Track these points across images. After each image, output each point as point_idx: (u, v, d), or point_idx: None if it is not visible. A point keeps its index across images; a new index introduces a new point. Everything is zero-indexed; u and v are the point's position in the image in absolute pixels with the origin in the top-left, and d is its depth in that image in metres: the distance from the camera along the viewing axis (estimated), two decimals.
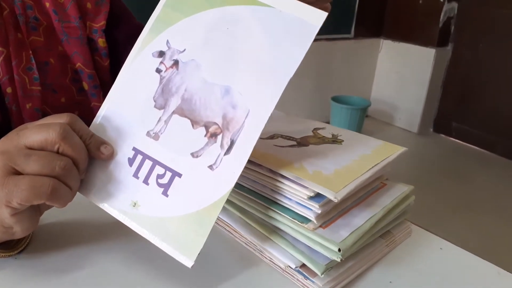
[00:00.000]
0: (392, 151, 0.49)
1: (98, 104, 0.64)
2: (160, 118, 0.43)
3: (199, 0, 0.43)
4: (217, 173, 0.40)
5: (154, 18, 0.45)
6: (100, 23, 0.64)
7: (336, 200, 0.40)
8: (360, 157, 0.47)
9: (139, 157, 0.42)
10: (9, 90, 0.57)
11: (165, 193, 0.41)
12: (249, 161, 0.44)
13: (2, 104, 0.58)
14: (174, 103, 0.42)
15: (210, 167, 0.40)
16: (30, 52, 0.59)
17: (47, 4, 0.60)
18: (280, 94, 0.39)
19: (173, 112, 0.42)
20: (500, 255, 1.76)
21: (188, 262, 0.39)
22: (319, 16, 0.39)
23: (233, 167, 0.39)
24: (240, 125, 0.40)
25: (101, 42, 0.64)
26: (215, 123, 0.41)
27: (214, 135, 0.41)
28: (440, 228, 1.96)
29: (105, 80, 0.66)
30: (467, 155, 2.92)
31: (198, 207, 0.40)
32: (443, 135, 3.19)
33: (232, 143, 0.40)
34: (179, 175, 0.41)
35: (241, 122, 0.40)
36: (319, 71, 3.06)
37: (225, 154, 0.40)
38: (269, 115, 0.39)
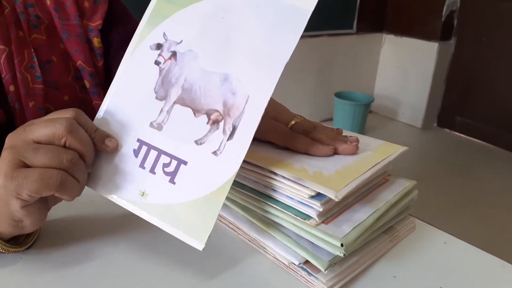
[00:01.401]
0: (392, 150, 0.49)
1: (99, 102, 0.65)
2: (162, 108, 0.44)
3: None
4: (222, 158, 0.41)
5: (150, 11, 0.46)
6: (96, 23, 0.64)
7: (337, 199, 0.40)
8: (360, 157, 0.47)
9: (144, 148, 0.43)
10: (11, 88, 0.58)
11: (172, 181, 0.42)
12: (251, 163, 0.45)
13: (5, 102, 0.58)
14: (174, 93, 0.43)
15: (214, 153, 0.41)
16: (32, 50, 0.59)
17: (48, 2, 0.61)
18: (278, 78, 0.40)
19: (175, 102, 0.43)
20: (504, 248, 1.76)
21: (199, 245, 0.40)
22: (310, 0, 0.40)
23: (236, 151, 0.41)
24: (240, 111, 0.41)
25: (96, 42, 0.64)
26: (216, 110, 0.42)
27: (216, 122, 0.42)
28: (443, 222, 1.96)
29: (101, 81, 0.67)
30: (471, 149, 2.91)
31: (205, 192, 0.41)
32: (447, 130, 3.18)
33: (234, 128, 0.41)
34: (185, 163, 0.42)
35: (241, 108, 0.41)
36: (322, 67, 3.05)
37: (228, 139, 0.41)
38: (268, 99, 0.40)
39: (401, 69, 3.24)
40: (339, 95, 2.94)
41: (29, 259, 0.44)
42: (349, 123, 2.87)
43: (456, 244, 0.51)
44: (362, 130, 2.93)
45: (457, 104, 3.09)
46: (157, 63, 0.45)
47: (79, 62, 0.63)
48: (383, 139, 0.53)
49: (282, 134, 0.49)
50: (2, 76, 0.57)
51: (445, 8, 2.94)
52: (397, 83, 3.29)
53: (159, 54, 0.45)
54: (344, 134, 0.52)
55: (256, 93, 0.41)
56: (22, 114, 0.59)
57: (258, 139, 0.49)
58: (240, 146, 0.41)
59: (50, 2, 0.60)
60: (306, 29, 0.40)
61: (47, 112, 0.61)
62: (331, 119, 3.05)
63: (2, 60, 0.57)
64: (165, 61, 0.44)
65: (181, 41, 0.44)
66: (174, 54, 0.44)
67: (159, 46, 0.45)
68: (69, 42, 0.62)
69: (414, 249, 0.49)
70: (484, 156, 2.79)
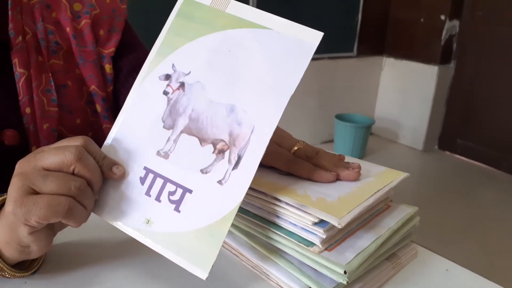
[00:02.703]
0: (394, 176, 0.50)
1: (109, 126, 0.66)
2: (169, 137, 0.44)
3: (201, 25, 0.46)
4: (226, 187, 0.41)
5: (159, 43, 0.47)
6: (109, 50, 0.66)
7: (340, 226, 0.40)
8: (363, 184, 0.48)
9: (151, 176, 0.44)
10: (28, 110, 0.59)
11: (177, 209, 0.42)
12: (254, 189, 0.45)
13: (20, 124, 0.60)
14: (182, 123, 0.44)
15: (219, 182, 0.42)
16: (50, 74, 0.61)
17: (68, 29, 0.63)
18: (283, 110, 0.41)
19: (182, 132, 0.44)
20: (506, 274, 1.74)
21: (203, 274, 0.40)
22: (315, 36, 0.42)
23: (241, 181, 0.41)
24: (246, 141, 0.42)
25: (107, 68, 0.66)
26: (222, 140, 0.43)
27: (221, 152, 0.42)
28: (446, 247, 1.95)
29: (111, 105, 0.68)
30: (473, 172, 2.91)
31: (209, 221, 0.41)
32: (448, 152, 3.19)
33: (239, 158, 0.42)
34: (190, 191, 0.42)
35: (247, 138, 0.42)
36: (323, 89, 3.08)
37: (233, 169, 0.42)
38: (273, 130, 0.41)
39: (401, 92, 3.27)
40: (340, 117, 2.96)
41: (33, 284, 0.45)
42: (350, 145, 2.87)
43: (458, 271, 0.51)
44: (363, 153, 2.94)
45: (458, 127, 3.10)
46: (165, 93, 0.45)
47: (92, 87, 0.65)
48: (384, 161, 0.53)
49: (285, 160, 0.49)
50: (20, 98, 0.59)
51: (444, 32, 2.98)
52: (397, 105, 3.31)
53: (168, 85, 0.46)
54: (346, 160, 0.53)
55: (262, 124, 0.42)
56: (36, 135, 0.60)
57: (261, 164, 0.50)
58: (245, 175, 0.41)
59: (70, 29, 0.63)
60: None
61: (59, 134, 0.63)
62: (331, 141, 3.06)
63: (20, 83, 0.59)
64: (174, 91, 0.45)
65: (189, 72, 0.45)
66: (182, 84, 0.45)
67: (167, 77, 0.46)
68: (84, 68, 0.64)
69: (416, 276, 0.49)
70: (485, 180, 2.79)
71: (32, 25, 0.60)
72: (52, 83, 0.61)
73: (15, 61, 0.58)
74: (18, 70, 0.58)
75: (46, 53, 0.61)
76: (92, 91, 0.65)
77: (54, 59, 0.62)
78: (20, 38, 0.59)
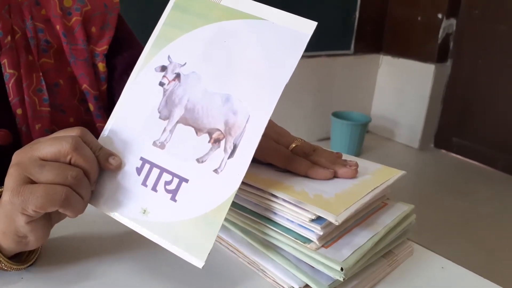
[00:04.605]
0: (391, 174, 0.50)
1: (102, 125, 0.66)
2: (165, 128, 0.45)
3: (196, 17, 0.46)
4: (222, 176, 0.42)
5: (155, 36, 0.47)
6: (102, 47, 0.65)
7: (337, 223, 0.40)
8: (360, 181, 0.48)
9: (147, 166, 0.44)
10: (19, 111, 0.59)
11: (173, 199, 0.42)
12: (251, 186, 0.45)
13: (13, 124, 0.59)
14: (178, 113, 0.45)
15: (215, 171, 0.42)
16: (41, 74, 0.60)
17: (58, 27, 0.62)
18: (277, 99, 0.42)
19: (177, 122, 0.45)
20: (502, 273, 1.75)
21: (199, 263, 0.40)
22: (309, 26, 0.42)
23: (237, 170, 0.41)
24: (241, 130, 0.42)
25: (101, 66, 0.65)
26: (218, 129, 0.43)
27: (217, 141, 0.43)
28: (441, 244, 1.96)
29: (104, 104, 0.67)
30: (468, 170, 2.91)
31: (205, 209, 0.41)
32: (444, 151, 3.20)
33: (235, 147, 0.42)
34: (186, 181, 0.42)
35: (242, 127, 0.42)
36: (319, 87, 3.08)
37: (228, 157, 0.42)
38: (268, 119, 0.42)
39: (398, 90, 3.27)
40: (336, 114, 2.96)
41: (30, 278, 0.45)
42: (347, 143, 2.88)
43: (454, 269, 0.51)
44: (359, 150, 2.94)
45: (454, 125, 3.11)
46: (161, 84, 0.46)
47: (84, 86, 0.64)
48: (380, 159, 0.54)
49: (282, 157, 0.50)
50: (10, 99, 0.58)
51: (441, 30, 2.98)
52: (394, 103, 3.31)
53: (164, 76, 0.46)
54: (342, 158, 0.53)
55: (257, 113, 0.42)
56: (28, 136, 0.60)
57: (259, 161, 0.50)
58: (240, 164, 0.41)
59: (60, 27, 0.62)
60: (304, 49, 0.41)
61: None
62: (328, 139, 3.06)
63: (11, 84, 0.58)
64: (169, 82, 0.46)
65: (185, 63, 0.46)
66: (178, 75, 0.46)
67: (163, 68, 0.46)
68: (76, 66, 0.63)
69: (412, 274, 0.49)
70: (481, 178, 2.80)
71: (21, 23, 0.59)
72: (43, 83, 0.60)
73: (4, 61, 0.58)
74: (7, 71, 0.58)
75: (36, 52, 0.60)
76: (84, 90, 0.64)
77: (45, 58, 0.62)
78: (9, 38, 0.58)
